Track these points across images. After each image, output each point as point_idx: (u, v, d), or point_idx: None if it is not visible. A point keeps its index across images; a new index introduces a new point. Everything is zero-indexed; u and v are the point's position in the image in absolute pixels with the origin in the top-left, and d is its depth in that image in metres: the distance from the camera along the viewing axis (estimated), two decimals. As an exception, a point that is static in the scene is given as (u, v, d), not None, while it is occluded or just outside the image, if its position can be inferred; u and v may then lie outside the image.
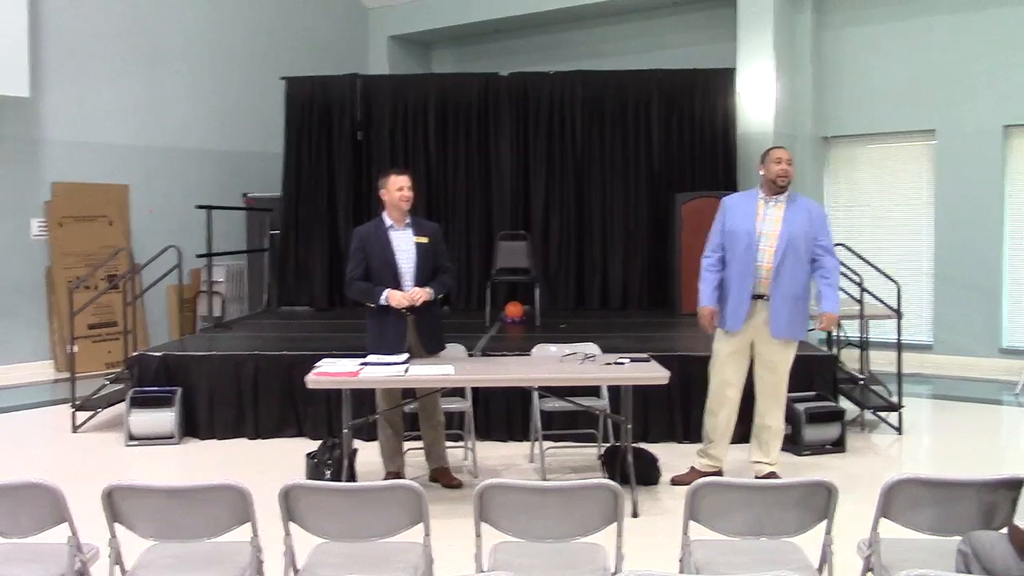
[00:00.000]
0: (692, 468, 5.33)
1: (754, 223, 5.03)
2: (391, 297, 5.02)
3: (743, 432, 5.40)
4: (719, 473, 5.23)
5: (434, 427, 5.36)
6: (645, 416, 6.14)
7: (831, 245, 5.11)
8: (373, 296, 5.07)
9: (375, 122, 10.07)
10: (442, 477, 5.34)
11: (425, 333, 5.16)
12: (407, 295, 5.02)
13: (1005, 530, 2.88)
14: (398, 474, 5.28)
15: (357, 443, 5.50)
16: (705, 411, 5.31)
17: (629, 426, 4.99)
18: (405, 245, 5.13)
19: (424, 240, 5.16)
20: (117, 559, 3.00)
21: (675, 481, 5.30)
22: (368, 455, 5.71)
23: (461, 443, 5.82)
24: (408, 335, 5.12)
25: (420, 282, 5.11)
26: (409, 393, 5.32)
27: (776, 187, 5.05)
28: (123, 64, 9.83)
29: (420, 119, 10.02)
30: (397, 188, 5.09)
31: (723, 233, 5.12)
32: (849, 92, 9.70)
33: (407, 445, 5.50)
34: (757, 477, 5.08)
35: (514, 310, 8.51)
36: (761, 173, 5.14)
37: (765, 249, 4.99)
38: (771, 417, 5.19)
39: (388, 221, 5.16)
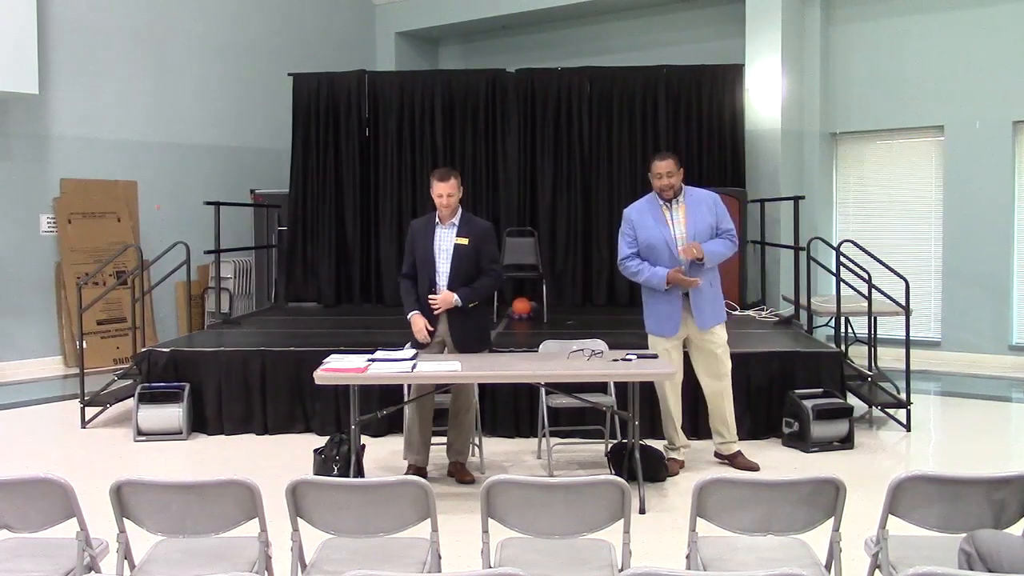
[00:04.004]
0: (671, 459, 5.50)
1: (669, 230, 5.25)
2: (413, 322, 5.19)
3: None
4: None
5: (459, 424, 5.38)
6: (652, 413, 6.11)
7: (732, 229, 5.38)
8: (405, 308, 5.26)
9: (382, 118, 10.07)
10: (457, 472, 5.37)
11: (457, 333, 5.19)
12: (422, 332, 5.14)
13: (1013, 529, 2.87)
14: (420, 469, 5.27)
15: (365, 439, 5.51)
16: (668, 414, 5.50)
17: (636, 422, 4.99)
18: (446, 244, 5.19)
19: (464, 242, 5.18)
20: (126, 554, 3.01)
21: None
22: (376, 451, 5.73)
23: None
24: (442, 332, 5.20)
25: (455, 283, 5.14)
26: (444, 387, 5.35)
27: (664, 197, 5.31)
28: (131, 60, 9.86)
29: (427, 115, 10.01)
30: (437, 195, 5.16)
31: (637, 243, 5.32)
32: (857, 88, 9.66)
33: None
34: (722, 456, 5.52)
35: (521, 306, 8.51)
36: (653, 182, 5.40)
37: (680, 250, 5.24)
38: (719, 403, 5.47)
39: (437, 218, 5.23)
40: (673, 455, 5.50)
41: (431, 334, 5.17)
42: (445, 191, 5.13)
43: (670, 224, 5.27)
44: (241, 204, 10.14)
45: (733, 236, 5.36)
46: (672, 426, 5.50)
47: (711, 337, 5.36)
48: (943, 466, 5.77)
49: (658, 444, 5.56)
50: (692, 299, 5.26)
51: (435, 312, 5.14)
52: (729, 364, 5.47)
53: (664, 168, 5.30)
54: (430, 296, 5.13)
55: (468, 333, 5.26)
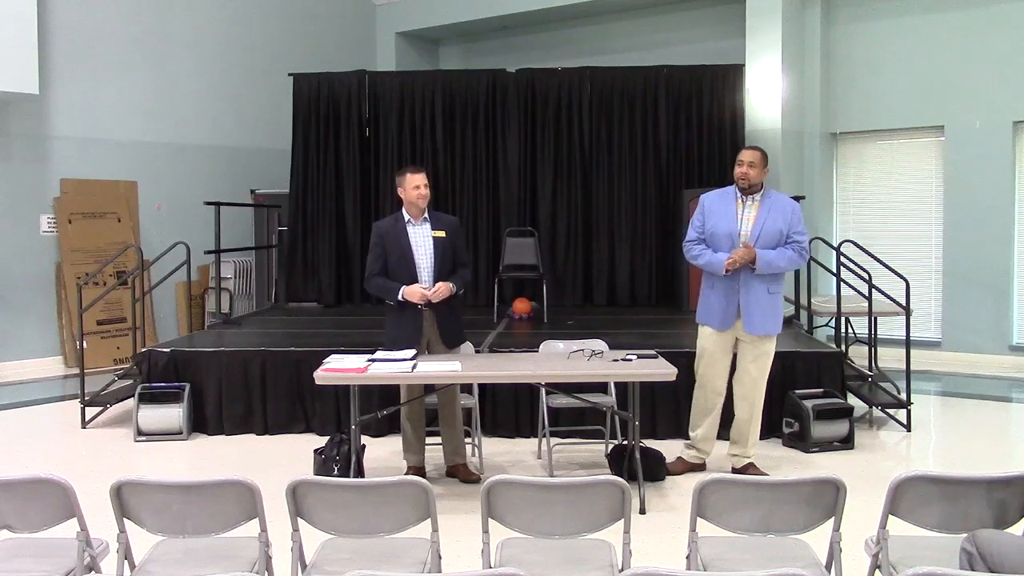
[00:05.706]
0: (679, 458, 5.44)
1: (736, 224, 5.12)
2: (407, 293, 5.05)
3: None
4: (703, 466, 5.41)
5: (451, 424, 5.37)
6: (652, 413, 6.13)
7: (806, 242, 5.20)
8: (391, 293, 5.12)
9: (383, 118, 10.07)
10: (459, 472, 5.37)
11: (444, 327, 5.20)
12: (422, 292, 5.03)
13: (1014, 529, 2.87)
14: (419, 469, 5.28)
15: (365, 439, 5.51)
16: (694, 408, 5.40)
17: (636, 423, 4.98)
18: (422, 240, 5.18)
19: (441, 234, 5.20)
20: (126, 554, 3.01)
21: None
22: (376, 451, 5.73)
23: (468, 439, 5.81)
24: (426, 329, 5.16)
25: (439, 276, 5.14)
26: (431, 386, 5.34)
27: (740, 187, 5.16)
28: (132, 60, 9.86)
29: (428, 115, 10.01)
30: (414, 187, 5.13)
31: (704, 231, 5.21)
32: (858, 88, 9.67)
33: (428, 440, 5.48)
34: (736, 470, 5.26)
35: (522, 306, 8.51)
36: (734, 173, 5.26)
37: None
38: (745, 411, 5.30)
39: (406, 216, 5.20)
40: (684, 456, 5.42)
41: (418, 335, 5.15)
42: (422, 182, 5.14)
43: (738, 219, 5.13)
44: (241, 204, 10.15)
45: (800, 248, 5.11)
46: (705, 427, 5.36)
47: (758, 343, 5.18)
48: (943, 466, 5.77)
49: (658, 444, 5.57)
50: (744, 301, 5.09)
51: (433, 302, 5.08)
52: (765, 375, 5.27)
53: (747, 157, 5.15)
54: (426, 289, 5.05)
55: (454, 326, 5.28)
